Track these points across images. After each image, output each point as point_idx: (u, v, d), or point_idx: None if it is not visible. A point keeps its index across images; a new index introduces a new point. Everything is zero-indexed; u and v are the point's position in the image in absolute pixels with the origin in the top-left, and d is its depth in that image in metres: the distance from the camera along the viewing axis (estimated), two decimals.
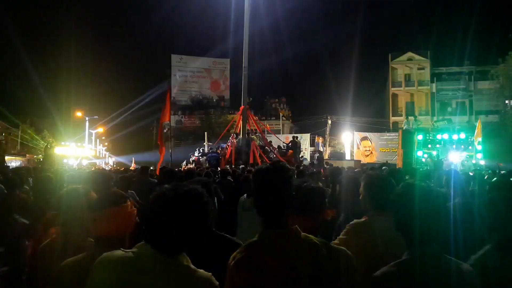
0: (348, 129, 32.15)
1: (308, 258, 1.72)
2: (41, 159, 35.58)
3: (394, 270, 1.75)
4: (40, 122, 47.32)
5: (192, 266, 1.57)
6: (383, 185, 2.61)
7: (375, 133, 30.57)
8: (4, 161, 23.68)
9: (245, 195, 4.76)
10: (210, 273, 1.58)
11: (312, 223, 2.04)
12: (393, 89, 43.82)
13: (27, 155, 34.23)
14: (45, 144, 42.24)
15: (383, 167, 9.27)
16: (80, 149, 41.04)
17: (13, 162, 24.53)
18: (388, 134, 30.52)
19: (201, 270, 1.57)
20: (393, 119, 42.11)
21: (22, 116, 45.30)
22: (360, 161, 24.16)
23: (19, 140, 41.05)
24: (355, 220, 2.59)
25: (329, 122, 34.24)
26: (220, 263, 2.09)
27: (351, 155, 28.83)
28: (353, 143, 29.54)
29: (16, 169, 11.66)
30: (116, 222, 1.88)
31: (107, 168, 26.38)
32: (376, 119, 40.37)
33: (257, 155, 17.63)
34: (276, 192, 1.79)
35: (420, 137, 16.82)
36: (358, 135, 29.56)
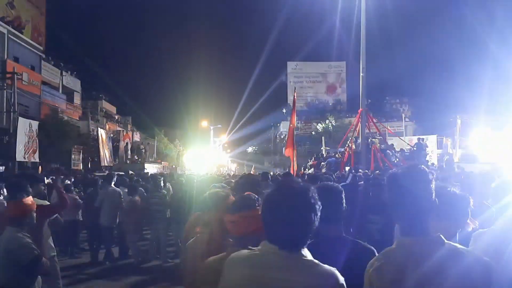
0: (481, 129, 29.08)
1: (453, 268, 1.59)
2: (174, 166, 39.32)
3: None
4: (172, 132, 52.27)
5: (316, 260, 1.60)
6: None
7: None
8: (144, 167, 26.75)
9: None
10: (334, 268, 1.60)
11: (452, 230, 1.88)
12: None
13: (162, 162, 37.94)
14: (177, 152, 46.62)
15: None
16: (207, 156, 44.09)
17: (150, 168, 27.41)
18: None
19: (325, 265, 1.60)
20: None
21: (158, 127, 50.67)
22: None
23: (155, 149, 45.85)
24: (480, 230, 2.34)
25: (459, 121, 31.31)
26: (353, 268, 2.06)
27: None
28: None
29: (156, 175, 13.03)
30: (253, 223, 1.99)
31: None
32: None
33: (379, 159, 16.96)
34: (415, 198, 1.68)
35: None
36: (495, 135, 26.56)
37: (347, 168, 15.87)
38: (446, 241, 1.67)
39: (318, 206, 1.62)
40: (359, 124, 18.10)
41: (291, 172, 11.11)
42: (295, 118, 12.44)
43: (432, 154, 25.44)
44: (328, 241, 2.30)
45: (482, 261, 1.64)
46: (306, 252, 1.60)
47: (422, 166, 1.79)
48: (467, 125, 32.44)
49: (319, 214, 1.63)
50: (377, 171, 13.21)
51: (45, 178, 7.77)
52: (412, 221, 1.70)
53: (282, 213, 1.57)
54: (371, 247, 2.31)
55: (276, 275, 1.53)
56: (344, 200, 2.35)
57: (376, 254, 1.91)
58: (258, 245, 1.67)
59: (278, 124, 58.29)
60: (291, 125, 12.61)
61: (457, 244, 1.66)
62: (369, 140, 18.44)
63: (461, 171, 12.90)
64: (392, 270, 1.66)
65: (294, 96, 14.24)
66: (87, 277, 7.44)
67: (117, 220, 8.64)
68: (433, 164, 20.34)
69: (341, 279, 1.58)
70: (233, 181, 5.86)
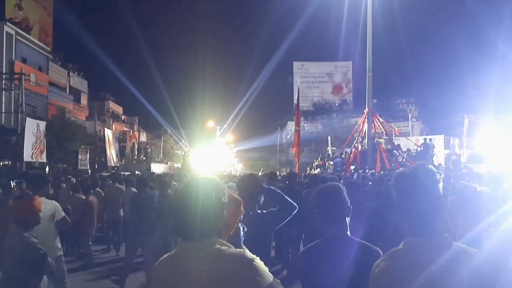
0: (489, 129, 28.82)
1: (461, 269, 1.57)
2: (180, 166, 39.37)
3: None
4: (178, 132, 52.36)
5: (224, 247, 1.61)
6: None
7: None
8: (150, 168, 26.83)
9: None
10: (242, 250, 1.63)
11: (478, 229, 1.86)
12: None
13: (168, 162, 38.02)
14: (183, 152, 46.71)
15: None
16: (213, 156, 44.10)
17: (157, 169, 27.48)
18: None
19: (235, 249, 1.62)
20: None
21: (164, 128, 50.82)
22: None
23: (161, 149, 45.98)
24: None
25: (466, 121, 31.05)
26: (358, 269, 2.04)
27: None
28: None
29: (162, 175, 13.06)
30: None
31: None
32: None
33: (385, 159, 16.89)
34: (422, 198, 1.65)
35: None
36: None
37: (352, 168, 15.84)
38: (453, 242, 1.65)
39: (220, 195, 1.65)
40: (365, 124, 18.04)
41: (296, 171, 11.11)
42: (299, 118, 12.43)
43: (439, 154, 25.27)
44: (331, 241, 2.28)
45: (490, 262, 1.62)
46: (216, 241, 1.61)
47: (430, 166, 1.76)
48: (475, 125, 32.14)
49: (224, 201, 1.67)
50: (382, 171, 13.16)
51: (11, 181, 7.75)
52: (420, 221, 1.66)
53: (183, 207, 1.61)
54: (376, 248, 2.29)
55: (188, 269, 1.56)
56: (347, 199, 2.33)
57: (382, 255, 1.89)
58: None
59: (285, 125, 58.19)
60: (295, 127, 12.64)
61: (464, 245, 1.64)
62: (375, 140, 18.36)
63: (468, 171, 12.82)
64: (398, 271, 1.64)
65: (297, 97, 14.28)
66: (94, 277, 7.46)
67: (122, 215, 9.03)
68: (440, 164, 20.23)
69: (251, 257, 1.59)
70: None
